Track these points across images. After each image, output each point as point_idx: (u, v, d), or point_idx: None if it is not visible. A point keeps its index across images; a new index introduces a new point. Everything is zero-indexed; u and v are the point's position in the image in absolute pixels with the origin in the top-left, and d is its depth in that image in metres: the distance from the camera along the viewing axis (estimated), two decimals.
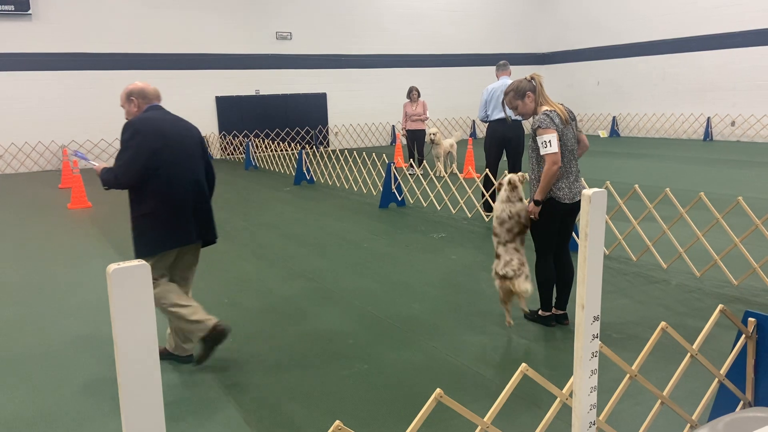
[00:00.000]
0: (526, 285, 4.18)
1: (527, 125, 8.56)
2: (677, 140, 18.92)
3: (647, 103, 20.51)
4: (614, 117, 21.38)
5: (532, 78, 4.22)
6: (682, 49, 19.14)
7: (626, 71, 21.01)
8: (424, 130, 12.64)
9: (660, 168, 12.60)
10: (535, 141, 4.11)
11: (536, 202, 4.14)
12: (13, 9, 15.39)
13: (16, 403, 3.54)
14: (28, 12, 15.58)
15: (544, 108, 4.13)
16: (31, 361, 4.11)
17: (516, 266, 4.20)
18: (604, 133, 21.48)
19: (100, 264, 6.50)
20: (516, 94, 4.23)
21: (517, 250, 4.26)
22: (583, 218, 1.88)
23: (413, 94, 12.62)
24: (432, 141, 12.17)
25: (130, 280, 1.16)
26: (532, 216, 4.21)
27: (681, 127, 19.51)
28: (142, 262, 1.17)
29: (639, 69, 20.57)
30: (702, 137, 18.79)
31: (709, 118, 18.53)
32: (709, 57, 18.45)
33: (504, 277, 4.21)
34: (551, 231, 4.27)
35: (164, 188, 3.69)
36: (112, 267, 1.15)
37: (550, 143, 3.97)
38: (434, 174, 11.43)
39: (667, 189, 5.76)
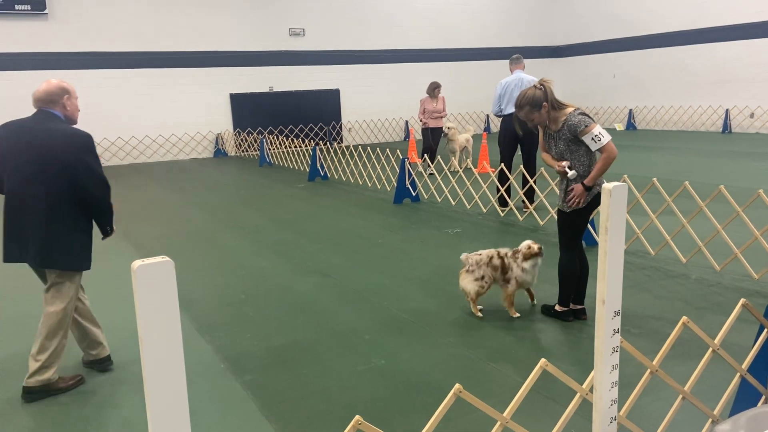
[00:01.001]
0: (464, 283, 4.56)
1: None
2: (695, 133, 18.69)
3: (664, 96, 20.26)
4: (631, 110, 21.16)
5: (542, 85, 4.15)
6: (700, 40, 18.87)
7: (643, 63, 20.77)
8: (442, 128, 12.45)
9: (678, 161, 12.46)
10: (573, 143, 4.09)
11: (587, 188, 4.11)
12: (30, 8, 15.55)
13: (40, 400, 3.59)
14: (45, 11, 15.74)
15: (570, 109, 4.12)
16: None
17: (473, 261, 4.54)
18: (620, 126, 21.27)
19: (120, 260, 6.56)
20: (532, 106, 4.14)
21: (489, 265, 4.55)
22: (604, 212, 1.86)
23: (437, 90, 12.06)
24: (446, 135, 12.08)
25: (154, 275, 1.18)
26: (578, 201, 4.14)
27: (699, 119, 19.26)
28: (165, 258, 1.18)
29: (656, 61, 20.32)
30: (720, 129, 18.54)
31: (727, 110, 18.27)
32: (728, 48, 18.18)
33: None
34: (585, 225, 4.31)
35: (4, 198, 3.58)
36: (137, 263, 1.16)
37: (602, 135, 4.00)
38: (449, 169, 11.40)
39: (686, 182, 5.70)
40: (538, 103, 4.12)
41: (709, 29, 18.60)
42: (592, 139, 4.00)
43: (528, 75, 8.26)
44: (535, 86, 4.17)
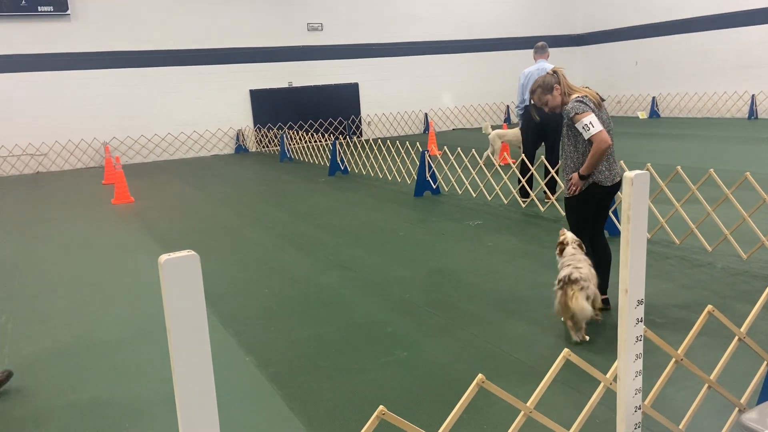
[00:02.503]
0: (579, 303, 3.76)
1: None
2: (720, 119, 18.35)
3: (688, 82, 19.91)
4: (654, 97, 20.84)
5: (554, 72, 4.23)
6: (723, 25, 18.49)
7: (665, 50, 20.42)
8: None
9: (703, 148, 12.25)
10: (571, 129, 4.12)
11: (582, 176, 4.10)
12: (52, 9, 15.81)
13: (72, 393, 3.68)
14: (67, 12, 15.99)
15: (574, 96, 4.12)
16: (84, 349, 4.26)
17: (585, 274, 3.86)
18: (643, 114, 20.97)
19: (145, 256, 6.68)
20: (543, 89, 4.22)
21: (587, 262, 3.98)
22: (625, 201, 1.85)
23: None
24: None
25: (181, 269, 1.20)
26: (573, 189, 4.16)
27: (724, 105, 18.90)
28: (191, 252, 1.21)
29: (678, 47, 19.97)
30: (746, 116, 18.18)
31: (753, 95, 17.90)
32: (752, 32, 17.78)
33: (564, 283, 3.85)
34: (589, 214, 4.26)
35: None
36: (164, 257, 1.19)
37: (591, 125, 3.95)
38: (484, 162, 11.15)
39: (711, 170, 5.61)
40: (549, 85, 4.17)
41: (732, 14, 18.21)
42: (583, 127, 3.99)
43: (551, 65, 8.16)
44: (548, 72, 4.24)
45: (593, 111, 4.00)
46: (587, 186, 4.13)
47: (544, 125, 8.07)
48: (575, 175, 4.15)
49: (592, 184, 4.12)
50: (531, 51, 8.58)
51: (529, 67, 8.25)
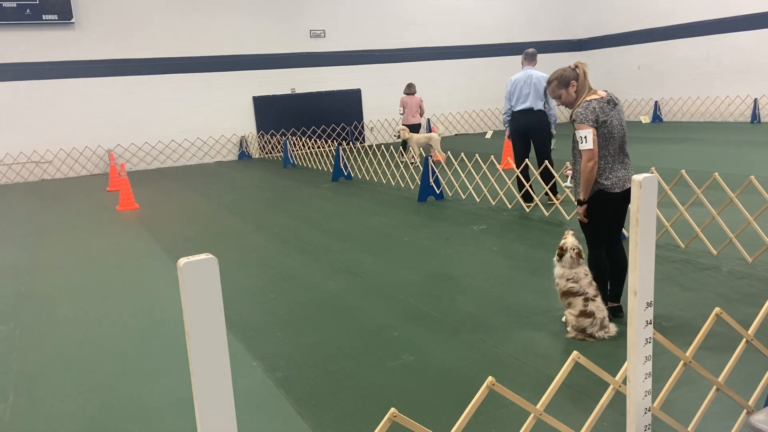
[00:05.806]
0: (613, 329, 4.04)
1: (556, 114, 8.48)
2: (723, 123, 18.35)
3: (690, 87, 19.92)
4: (656, 102, 20.85)
5: (576, 66, 4.11)
6: (725, 29, 18.52)
7: (667, 54, 20.44)
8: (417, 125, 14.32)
9: (707, 152, 12.26)
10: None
11: (580, 202, 4.08)
12: (57, 18, 15.90)
13: (80, 399, 3.69)
14: (71, 21, 16.08)
15: (585, 99, 4.01)
16: (92, 355, 4.28)
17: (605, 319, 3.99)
18: (646, 119, 20.97)
19: (151, 262, 6.70)
20: (560, 83, 4.10)
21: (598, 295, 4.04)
22: (634, 204, 1.87)
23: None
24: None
25: (200, 272, 1.22)
26: (579, 217, 4.16)
27: (727, 109, 18.90)
28: (209, 255, 1.23)
29: (680, 51, 19.99)
30: (749, 119, 18.18)
31: (756, 99, 17.90)
32: (754, 36, 17.80)
33: (593, 336, 3.97)
34: (604, 222, 4.16)
35: None
36: (183, 260, 1.21)
37: (585, 139, 3.90)
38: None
39: (716, 173, 5.62)
40: (566, 80, 4.07)
41: (733, 18, 18.24)
42: (579, 138, 3.95)
43: (538, 71, 8.22)
44: (570, 66, 4.13)
45: (597, 122, 3.92)
46: (594, 192, 4.06)
47: (530, 130, 8.14)
48: (577, 205, 4.14)
49: (598, 191, 4.04)
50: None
51: (517, 74, 8.30)
